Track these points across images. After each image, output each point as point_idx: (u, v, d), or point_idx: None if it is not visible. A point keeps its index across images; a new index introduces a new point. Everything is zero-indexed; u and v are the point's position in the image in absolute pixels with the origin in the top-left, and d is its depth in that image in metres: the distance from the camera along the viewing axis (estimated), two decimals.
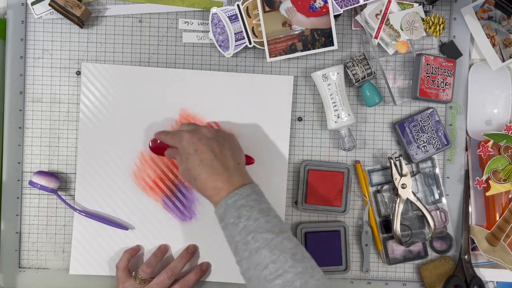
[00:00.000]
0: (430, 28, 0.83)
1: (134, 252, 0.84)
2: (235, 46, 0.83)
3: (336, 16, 0.82)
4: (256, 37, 0.82)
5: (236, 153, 0.75)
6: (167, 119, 0.84)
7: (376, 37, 0.84)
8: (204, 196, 0.72)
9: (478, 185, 0.84)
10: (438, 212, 0.86)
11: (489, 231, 0.85)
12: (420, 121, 0.85)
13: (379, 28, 0.83)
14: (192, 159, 0.72)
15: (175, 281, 0.82)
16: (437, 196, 0.86)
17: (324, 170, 0.85)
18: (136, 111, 0.84)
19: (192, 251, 0.84)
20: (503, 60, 0.85)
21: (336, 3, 0.81)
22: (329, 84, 0.82)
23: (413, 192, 0.83)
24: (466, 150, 0.87)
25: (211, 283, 0.86)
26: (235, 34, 0.82)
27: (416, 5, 0.83)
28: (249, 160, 0.82)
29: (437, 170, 0.86)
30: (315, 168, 0.85)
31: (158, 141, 0.82)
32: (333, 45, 0.82)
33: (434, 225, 0.83)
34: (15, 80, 0.85)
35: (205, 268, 0.84)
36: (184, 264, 0.83)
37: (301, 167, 0.85)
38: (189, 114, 0.84)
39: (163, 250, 0.84)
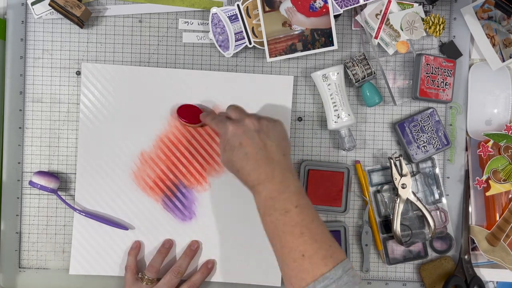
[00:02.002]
0: (430, 28, 0.83)
1: (137, 251, 0.84)
2: (235, 46, 0.83)
3: (336, 16, 0.82)
4: (256, 37, 0.82)
5: (281, 144, 0.73)
6: (167, 119, 0.84)
7: (376, 37, 0.84)
8: (246, 185, 0.72)
9: (478, 185, 0.84)
10: (438, 212, 0.86)
11: (489, 231, 0.85)
12: (420, 121, 0.85)
13: (379, 28, 0.83)
14: (236, 152, 0.71)
15: (182, 281, 0.82)
16: (437, 196, 0.86)
17: (324, 170, 0.85)
18: (136, 111, 0.84)
19: (195, 248, 0.84)
20: (503, 60, 0.85)
21: (336, 3, 0.81)
22: (329, 84, 0.82)
23: (413, 192, 0.83)
24: (466, 150, 0.87)
25: (211, 283, 0.86)
26: (235, 34, 0.82)
27: (416, 5, 0.83)
28: None
29: (437, 170, 0.86)
30: (315, 168, 0.85)
31: (187, 110, 0.82)
32: (333, 45, 0.82)
33: (434, 225, 0.83)
34: (15, 80, 0.85)
35: (211, 266, 0.84)
36: (189, 261, 0.83)
37: (301, 167, 0.85)
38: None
39: (167, 246, 0.84)
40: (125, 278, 0.82)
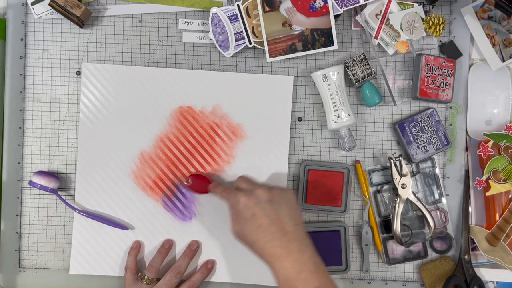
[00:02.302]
0: (430, 28, 0.83)
1: (137, 251, 0.84)
2: (235, 46, 0.83)
3: (336, 16, 0.82)
4: (256, 37, 0.82)
5: (292, 213, 0.73)
6: (167, 119, 0.84)
7: (376, 37, 0.84)
8: (262, 260, 0.71)
9: (478, 185, 0.84)
10: (438, 212, 0.86)
11: (489, 231, 0.85)
12: (420, 121, 0.85)
13: (379, 28, 0.83)
14: (249, 224, 0.71)
15: (182, 281, 0.82)
16: (437, 196, 0.86)
17: (324, 170, 0.85)
18: (136, 111, 0.84)
19: (195, 248, 0.84)
20: (503, 60, 0.85)
21: (336, 3, 0.81)
22: (329, 84, 0.82)
23: (413, 192, 0.83)
24: (466, 150, 0.87)
25: (211, 283, 0.86)
26: (235, 34, 0.82)
27: (416, 5, 0.83)
28: None
29: (437, 170, 0.86)
30: (315, 168, 0.85)
31: (196, 179, 0.83)
32: (333, 45, 0.82)
33: (434, 225, 0.83)
34: (15, 80, 0.85)
35: (211, 266, 0.84)
36: (188, 261, 0.83)
37: (301, 167, 0.85)
38: (189, 114, 0.84)
39: (167, 246, 0.84)
40: (125, 278, 0.82)
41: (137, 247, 0.84)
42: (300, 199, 0.84)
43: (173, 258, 0.85)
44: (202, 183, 0.83)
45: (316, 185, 0.84)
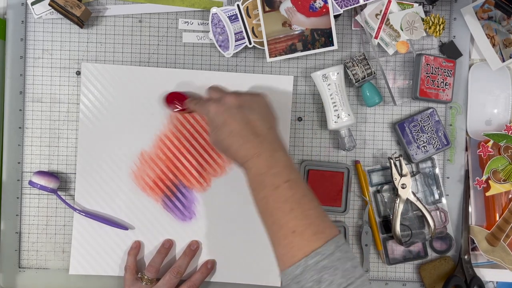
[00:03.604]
0: (430, 28, 0.83)
1: (137, 251, 0.84)
2: (235, 46, 0.83)
3: (336, 16, 0.82)
4: (256, 37, 0.82)
5: (265, 117, 0.72)
6: (167, 119, 0.84)
7: (376, 37, 0.84)
8: (236, 164, 0.71)
9: (478, 185, 0.84)
10: (438, 212, 0.86)
11: (489, 231, 0.85)
12: (420, 121, 0.85)
13: (379, 28, 0.83)
14: (221, 131, 0.70)
15: (182, 281, 0.82)
16: (437, 196, 0.86)
17: (324, 170, 0.85)
18: (136, 111, 0.84)
19: (195, 248, 0.84)
20: (503, 60, 0.85)
21: (336, 3, 0.81)
22: (329, 84, 0.82)
23: (413, 192, 0.83)
24: (466, 150, 0.87)
25: (211, 283, 0.86)
26: (235, 34, 0.82)
27: (416, 5, 0.83)
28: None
29: (437, 170, 0.86)
30: (315, 168, 0.85)
31: (173, 96, 0.83)
32: (333, 45, 0.82)
33: (434, 225, 0.83)
34: (15, 80, 0.85)
35: (211, 266, 0.84)
36: (188, 261, 0.83)
37: (301, 167, 0.85)
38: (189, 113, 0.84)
39: (167, 246, 0.84)
40: (124, 278, 0.82)
41: (137, 247, 0.84)
42: None
43: (173, 258, 0.85)
44: (179, 100, 0.82)
45: (316, 185, 0.84)
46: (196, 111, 0.79)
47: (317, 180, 0.84)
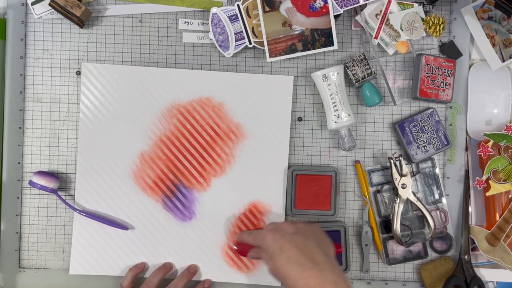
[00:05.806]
0: (430, 28, 0.83)
1: (139, 271, 0.83)
2: (235, 46, 0.83)
3: (336, 16, 0.82)
4: (256, 37, 0.82)
5: (322, 245, 0.72)
6: (167, 119, 0.84)
7: (376, 37, 0.84)
8: None
9: (478, 185, 0.84)
10: (438, 212, 0.86)
11: (489, 231, 0.85)
12: (420, 121, 0.85)
13: (379, 28, 0.83)
14: (278, 257, 0.70)
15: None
16: (437, 196, 0.86)
17: (312, 175, 0.84)
18: (136, 111, 0.84)
19: (193, 271, 0.84)
20: (503, 60, 0.85)
21: (336, 3, 0.81)
22: (329, 84, 0.82)
23: (413, 192, 0.83)
24: (466, 150, 0.87)
25: (212, 283, 0.85)
26: (235, 34, 0.82)
27: (416, 5, 0.83)
28: (338, 248, 0.81)
29: (437, 170, 0.86)
30: (303, 173, 0.84)
31: (242, 242, 0.83)
32: (333, 45, 0.82)
33: (434, 225, 0.83)
34: (15, 80, 0.85)
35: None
36: (185, 283, 0.83)
37: (288, 172, 0.84)
38: (189, 113, 0.84)
39: (167, 267, 0.84)
40: None
41: (140, 267, 0.83)
42: (289, 205, 0.84)
43: (172, 273, 0.85)
44: (246, 246, 0.82)
45: (305, 190, 0.84)
46: (251, 243, 0.79)
47: (305, 184, 0.84)
